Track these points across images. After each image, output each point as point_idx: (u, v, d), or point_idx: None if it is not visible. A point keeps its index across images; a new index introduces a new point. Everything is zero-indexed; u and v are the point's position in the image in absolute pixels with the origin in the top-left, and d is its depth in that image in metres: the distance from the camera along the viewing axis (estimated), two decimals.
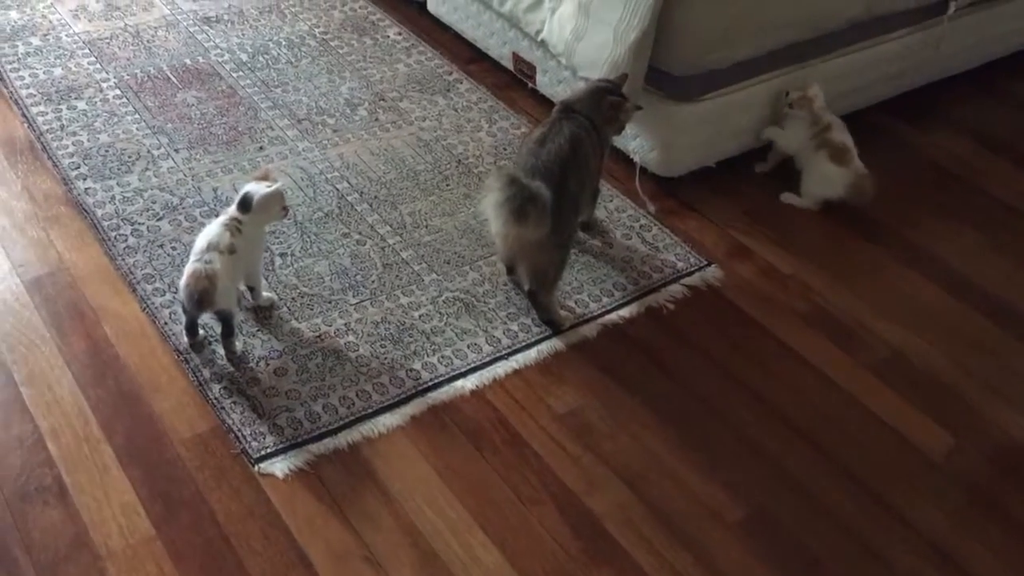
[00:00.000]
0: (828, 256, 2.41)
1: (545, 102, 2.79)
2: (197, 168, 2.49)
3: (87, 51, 2.89)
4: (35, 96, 2.69)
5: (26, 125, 2.59)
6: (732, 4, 2.31)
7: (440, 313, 2.15)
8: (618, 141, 2.59)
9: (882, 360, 2.14)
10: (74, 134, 2.57)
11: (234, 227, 1.96)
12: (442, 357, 2.05)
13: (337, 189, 2.47)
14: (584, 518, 1.77)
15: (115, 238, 2.26)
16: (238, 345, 2.01)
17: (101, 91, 2.73)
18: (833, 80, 2.64)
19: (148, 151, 2.53)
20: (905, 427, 1.99)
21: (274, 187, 1.99)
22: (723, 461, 1.90)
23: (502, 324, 2.14)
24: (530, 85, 2.79)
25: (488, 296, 2.20)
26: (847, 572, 1.74)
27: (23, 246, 2.24)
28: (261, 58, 2.93)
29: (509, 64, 2.86)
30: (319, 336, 2.07)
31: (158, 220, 2.32)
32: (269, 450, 1.83)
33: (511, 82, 2.89)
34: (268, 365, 2.00)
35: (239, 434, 1.86)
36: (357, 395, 1.95)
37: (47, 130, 2.57)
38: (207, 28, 3.04)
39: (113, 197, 2.37)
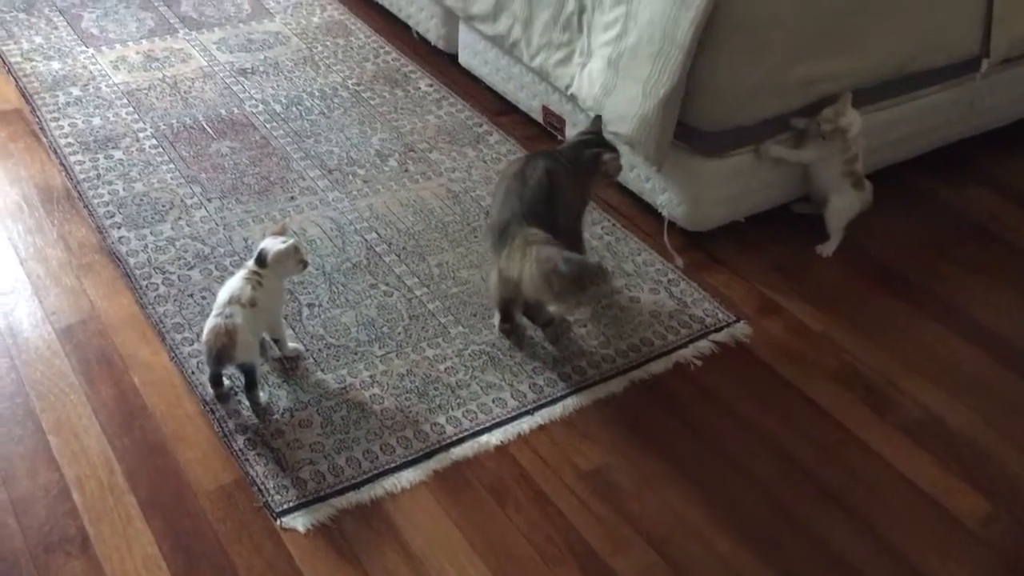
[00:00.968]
0: (859, 313, 2.38)
1: None
2: (229, 217, 2.52)
3: (125, 101, 2.95)
4: (73, 145, 2.75)
5: (64, 173, 2.65)
6: (761, 62, 2.32)
7: (466, 366, 2.15)
8: (646, 194, 2.59)
9: (914, 421, 2.10)
10: (110, 183, 2.61)
11: (255, 280, 1.98)
12: (467, 411, 2.04)
13: (366, 240, 2.49)
14: None
15: (146, 287, 2.29)
16: (263, 396, 2.02)
17: (138, 141, 2.78)
18: (865, 136, 2.63)
19: (181, 200, 2.57)
20: (939, 492, 1.95)
21: (288, 243, 2.01)
22: (751, 524, 1.86)
23: (528, 378, 2.13)
24: (559, 138, 2.81)
25: (514, 350, 2.19)
26: None
27: (56, 294, 2.27)
28: (295, 109, 2.98)
29: (539, 117, 2.88)
30: (344, 388, 2.07)
31: (189, 269, 2.35)
32: (292, 504, 1.83)
33: (540, 134, 2.91)
34: (293, 417, 2.00)
35: (262, 487, 1.85)
36: (381, 449, 1.95)
37: (84, 179, 2.62)
38: (243, 79, 3.10)
39: (146, 246, 2.41)
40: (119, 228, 2.46)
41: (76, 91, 2.98)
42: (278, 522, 1.80)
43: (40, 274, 2.32)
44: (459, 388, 2.09)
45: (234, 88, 3.06)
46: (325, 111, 2.98)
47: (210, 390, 2.01)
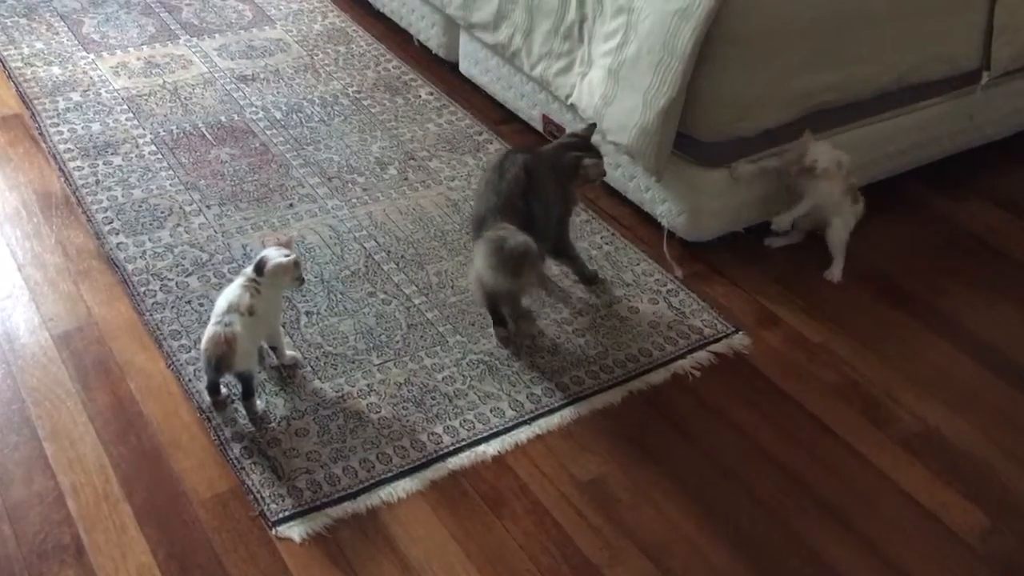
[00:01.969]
0: (858, 325, 2.37)
1: None
2: (227, 224, 2.52)
3: (125, 107, 2.95)
4: (72, 151, 2.74)
5: (62, 179, 2.64)
6: (761, 73, 2.32)
7: (463, 376, 2.14)
8: (646, 205, 2.59)
9: (914, 435, 2.09)
10: (109, 189, 2.61)
11: (253, 288, 1.97)
12: (464, 421, 2.04)
13: (364, 248, 2.48)
14: None
15: (144, 293, 2.28)
16: (260, 405, 2.01)
17: (137, 147, 2.78)
18: (864, 147, 2.63)
19: (180, 207, 2.57)
20: (937, 506, 1.94)
21: (289, 258, 2.00)
22: (748, 536, 1.86)
23: (525, 388, 2.12)
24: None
25: (512, 359, 2.19)
26: None
27: (53, 300, 2.26)
28: (295, 116, 2.98)
29: (539, 126, 2.88)
30: (342, 396, 2.06)
31: (187, 276, 2.34)
32: (287, 513, 1.82)
33: (540, 143, 2.90)
34: (290, 425, 1.99)
35: (258, 496, 1.84)
36: (378, 458, 1.94)
37: (82, 184, 2.61)
38: (243, 86, 3.10)
39: (144, 252, 2.40)
40: (117, 234, 2.45)
41: (76, 97, 2.98)
42: (274, 531, 1.79)
43: (38, 280, 2.32)
44: (457, 397, 2.09)
45: (234, 95, 3.06)
46: (325, 118, 2.98)
47: (207, 398, 2.01)
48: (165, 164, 2.72)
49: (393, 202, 2.65)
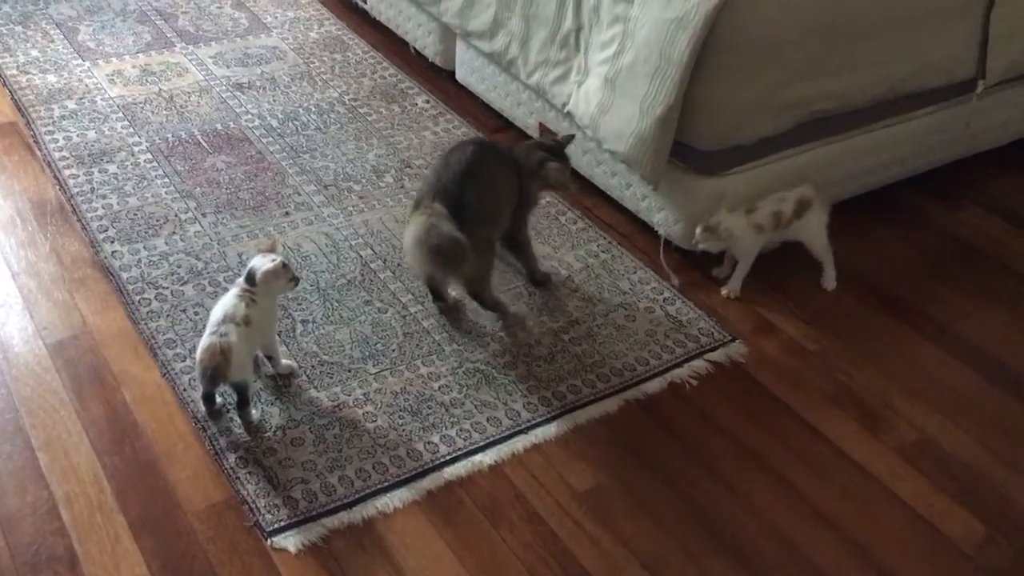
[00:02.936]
0: (854, 334, 2.37)
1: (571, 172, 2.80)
2: (223, 232, 2.51)
3: (121, 115, 2.94)
4: (68, 159, 2.74)
5: (57, 187, 2.63)
6: (757, 82, 2.32)
7: (460, 384, 2.13)
8: (643, 213, 2.59)
9: (910, 443, 2.09)
10: (104, 197, 2.60)
11: (248, 298, 1.97)
12: (460, 430, 2.03)
13: (361, 256, 2.48)
14: None
15: (139, 302, 2.27)
16: (255, 414, 2.00)
17: (133, 155, 2.78)
18: (860, 156, 2.64)
19: (176, 215, 2.56)
20: (934, 515, 1.94)
21: (276, 261, 1.99)
22: (746, 546, 1.85)
23: (522, 397, 2.12)
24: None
25: (508, 368, 2.18)
26: None
27: (48, 308, 2.25)
28: (291, 124, 2.97)
29: (535, 134, 2.88)
30: (337, 405, 2.06)
31: (182, 284, 2.33)
32: (283, 523, 1.81)
33: None
34: (285, 435, 1.98)
35: (253, 506, 1.83)
36: (374, 467, 1.93)
37: (78, 192, 2.61)
38: (239, 94, 3.10)
39: (139, 260, 2.39)
40: (112, 242, 2.45)
41: (71, 104, 2.97)
42: (269, 542, 1.78)
43: (32, 288, 2.31)
44: (453, 406, 2.08)
45: (230, 102, 3.05)
46: (321, 126, 2.98)
47: (202, 407, 2.00)
48: (160, 172, 2.72)
49: (389, 210, 2.64)
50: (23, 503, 1.81)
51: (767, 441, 2.07)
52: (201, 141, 2.86)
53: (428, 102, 3.13)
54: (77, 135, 2.84)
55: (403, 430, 2.01)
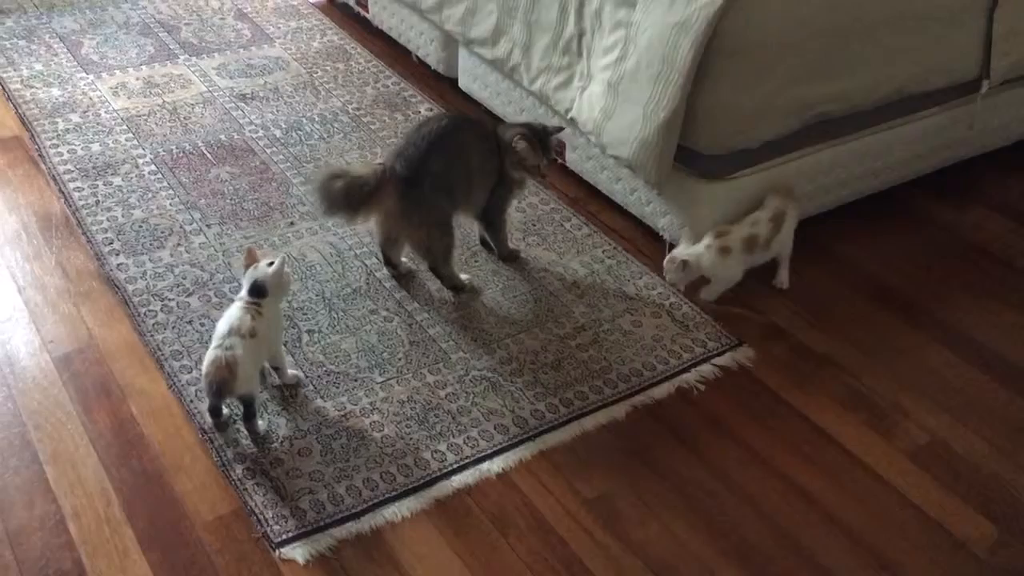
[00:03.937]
0: (862, 336, 2.36)
1: (574, 178, 2.80)
2: (228, 243, 2.51)
3: (125, 127, 2.95)
4: (72, 172, 2.74)
5: (62, 200, 2.64)
6: (761, 85, 2.32)
7: (466, 392, 2.13)
8: (647, 218, 2.58)
9: (921, 446, 2.08)
10: (109, 209, 2.61)
11: (254, 310, 1.97)
12: (468, 438, 2.02)
13: (366, 265, 2.47)
14: None
15: (145, 314, 2.27)
16: (262, 425, 2.00)
17: (137, 167, 2.78)
18: (865, 158, 2.63)
19: (181, 227, 2.56)
20: (946, 518, 1.92)
21: (278, 262, 2.01)
22: (756, 552, 1.84)
23: (529, 404, 2.11)
24: (559, 161, 2.80)
25: (515, 375, 2.18)
26: None
27: (54, 322, 2.25)
28: (294, 134, 2.98)
29: None
30: (344, 415, 2.05)
31: (188, 296, 2.33)
32: (291, 534, 1.80)
33: None
34: (292, 445, 1.98)
35: (261, 517, 1.83)
36: (381, 477, 1.92)
37: (83, 205, 2.61)
38: (243, 105, 3.10)
39: (145, 273, 2.39)
40: (118, 255, 2.45)
41: (76, 118, 2.98)
42: (277, 553, 1.77)
43: (38, 302, 2.31)
44: (460, 414, 2.07)
45: (234, 113, 3.06)
46: (325, 136, 2.98)
47: (208, 419, 1.99)
48: (165, 184, 2.72)
49: None
50: (31, 517, 1.81)
51: (776, 445, 2.06)
52: (205, 152, 2.87)
53: (431, 110, 3.13)
54: (81, 148, 2.84)
55: (410, 439, 2.01)
